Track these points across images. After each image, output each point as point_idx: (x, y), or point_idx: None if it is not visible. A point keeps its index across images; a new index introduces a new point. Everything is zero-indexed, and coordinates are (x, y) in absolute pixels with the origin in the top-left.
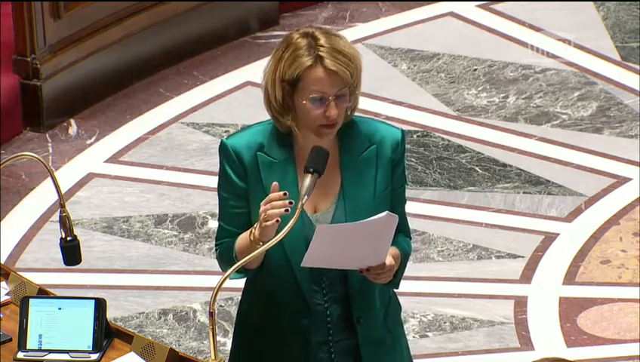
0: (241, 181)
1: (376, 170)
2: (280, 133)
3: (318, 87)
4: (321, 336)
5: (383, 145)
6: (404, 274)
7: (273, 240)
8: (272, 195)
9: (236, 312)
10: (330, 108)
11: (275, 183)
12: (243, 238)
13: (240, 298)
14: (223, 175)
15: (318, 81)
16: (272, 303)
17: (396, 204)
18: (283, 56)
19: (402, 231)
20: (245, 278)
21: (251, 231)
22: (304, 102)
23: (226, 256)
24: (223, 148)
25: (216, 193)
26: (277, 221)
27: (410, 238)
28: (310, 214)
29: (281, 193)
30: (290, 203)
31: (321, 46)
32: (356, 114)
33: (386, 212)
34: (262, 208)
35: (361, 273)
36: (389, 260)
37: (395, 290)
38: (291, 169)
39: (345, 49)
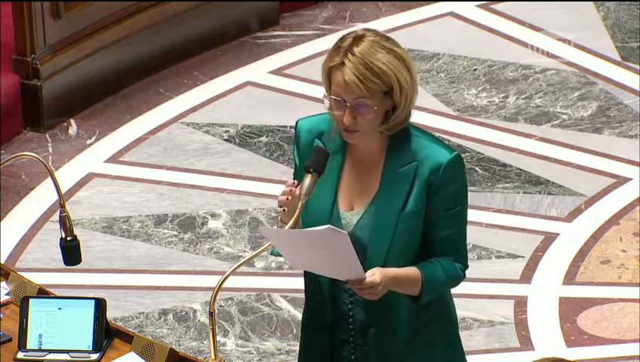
0: (297, 159)
1: (411, 188)
2: None
3: (336, 89)
4: (344, 335)
5: (423, 164)
6: None
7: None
8: (288, 182)
9: None
10: (345, 115)
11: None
12: None
13: None
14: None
15: (338, 84)
16: (307, 296)
17: (439, 225)
18: (330, 50)
19: (450, 256)
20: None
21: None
22: (331, 100)
23: None
24: (295, 127)
25: (217, 193)
26: (283, 210)
27: (464, 265)
28: (343, 211)
29: (292, 181)
30: (291, 190)
31: (352, 54)
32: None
33: (328, 226)
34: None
35: (346, 284)
36: (373, 278)
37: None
38: (338, 161)
39: (375, 63)
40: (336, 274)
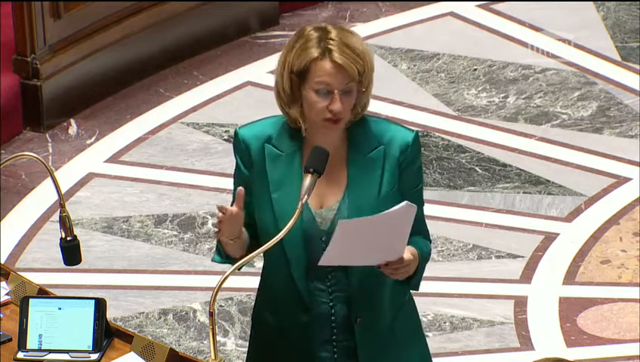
0: (247, 170)
1: (383, 171)
2: (290, 128)
3: (324, 79)
4: (324, 335)
5: (391, 146)
6: None
7: (273, 240)
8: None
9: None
10: (335, 102)
11: (240, 189)
12: None
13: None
14: (235, 164)
15: (325, 73)
16: (276, 300)
17: None
18: (294, 47)
19: (420, 234)
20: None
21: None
22: (310, 94)
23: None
24: (235, 137)
25: (217, 193)
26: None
27: (430, 241)
28: (315, 210)
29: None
30: (220, 222)
31: (331, 39)
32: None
33: (405, 202)
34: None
35: (379, 268)
36: (407, 255)
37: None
38: (297, 163)
39: (356, 45)
40: (377, 260)
